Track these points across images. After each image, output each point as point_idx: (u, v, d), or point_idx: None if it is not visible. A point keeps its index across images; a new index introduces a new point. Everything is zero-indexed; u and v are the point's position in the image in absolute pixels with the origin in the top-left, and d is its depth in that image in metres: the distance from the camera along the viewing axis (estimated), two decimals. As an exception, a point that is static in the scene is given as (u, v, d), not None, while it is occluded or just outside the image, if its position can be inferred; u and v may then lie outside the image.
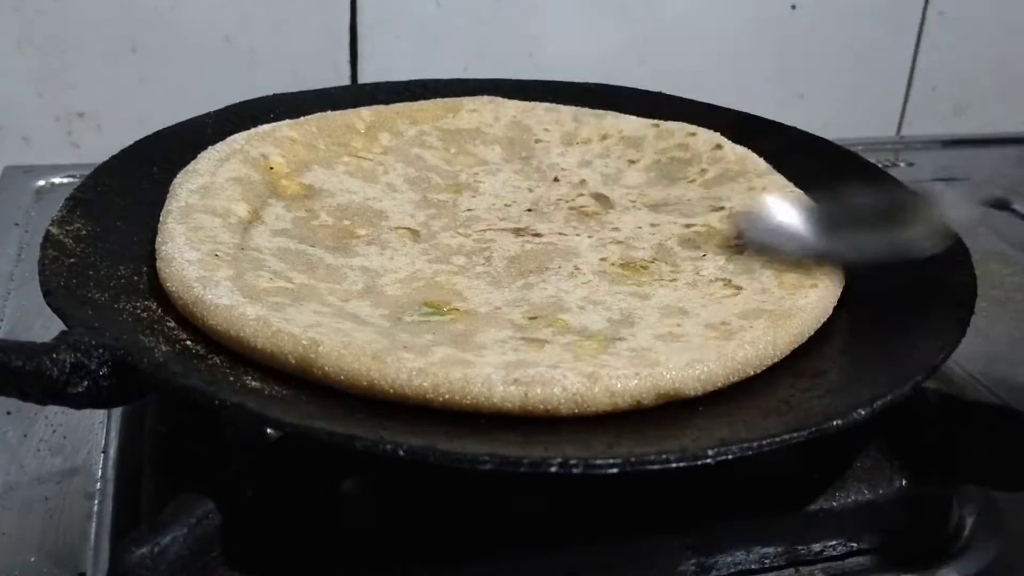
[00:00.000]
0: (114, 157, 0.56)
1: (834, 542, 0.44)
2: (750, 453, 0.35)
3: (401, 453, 0.34)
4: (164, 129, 0.59)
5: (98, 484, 0.47)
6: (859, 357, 0.44)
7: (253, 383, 0.40)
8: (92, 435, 0.50)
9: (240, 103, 0.63)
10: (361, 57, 0.88)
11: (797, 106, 0.99)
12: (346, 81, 0.89)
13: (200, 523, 0.35)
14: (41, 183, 0.77)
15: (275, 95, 0.65)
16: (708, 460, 0.35)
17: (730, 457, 0.35)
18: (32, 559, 0.43)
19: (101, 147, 0.85)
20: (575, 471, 0.34)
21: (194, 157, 0.55)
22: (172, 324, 0.44)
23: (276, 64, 0.86)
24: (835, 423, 0.37)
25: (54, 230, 0.47)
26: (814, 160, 0.60)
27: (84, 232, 0.48)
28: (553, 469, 0.34)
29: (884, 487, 0.44)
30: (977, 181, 0.84)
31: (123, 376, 0.39)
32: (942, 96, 1.02)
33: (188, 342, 0.42)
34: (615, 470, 0.34)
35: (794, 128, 0.64)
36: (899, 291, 0.47)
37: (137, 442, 0.49)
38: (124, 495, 0.46)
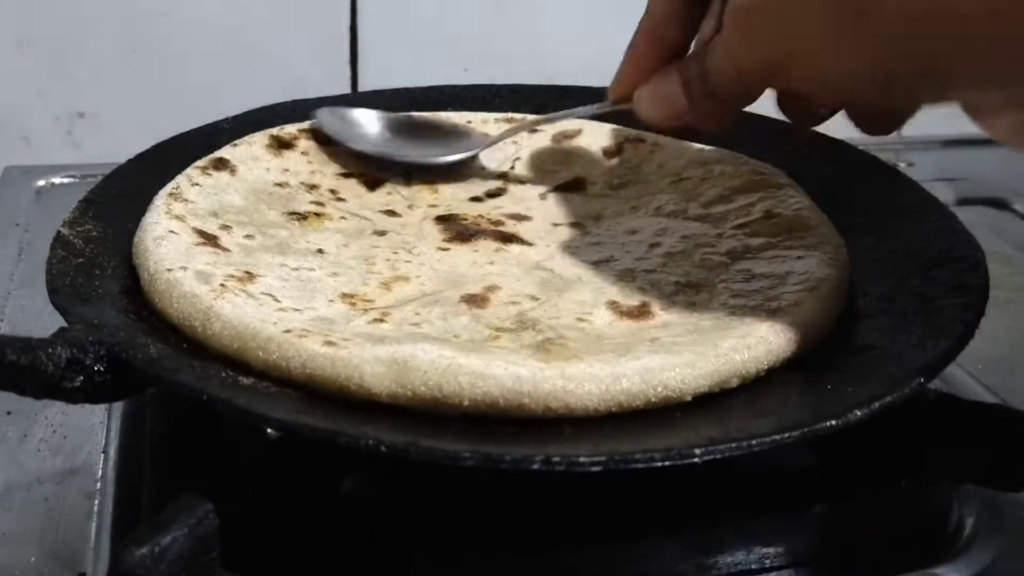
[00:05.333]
0: (130, 160, 0.56)
1: (834, 542, 0.44)
2: (738, 453, 0.35)
3: (383, 449, 0.34)
4: (181, 134, 0.59)
5: (98, 484, 0.47)
6: (863, 357, 0.44)
7: (245, 381, 0.40)
8: (92, 435, 0.50)
9: (257, 109, 0.63)
10: (361, 57, 0.88)
11: (797, 106, 0.99)
12: (346, 81, 0.89)
13: (200, 523, 0.35)
14: (41, 183, 0.77)
15: (292, 101, 0.65)
16: (695, 460, 0.35)
17: (718, 457, 0.35)
18: (32, 559, 0.43)
19: (101, 147, 0.86)
20: (558, 468, 0.34)
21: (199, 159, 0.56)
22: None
23: (276, 64, 0.86)
24: (828, 424, 0.37)
25: (64, 231, 0.48)
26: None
27: (95, 233, 0.49)
28: (536, 466, 0.34)
29: (884, 487, 0.44)
30: (977, 181, 0.84)
31: (118, 371, 0.39)
32: (942, 96, 1.02)
33: (186, 341, 0.43)
34: (599, 468, 0.34)
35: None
36: (910, 291, 0.47)
37: (137, 442, 0.49)
38: (124, 495, 0.46)
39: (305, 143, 0.60)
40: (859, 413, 0.37)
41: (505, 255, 0.52)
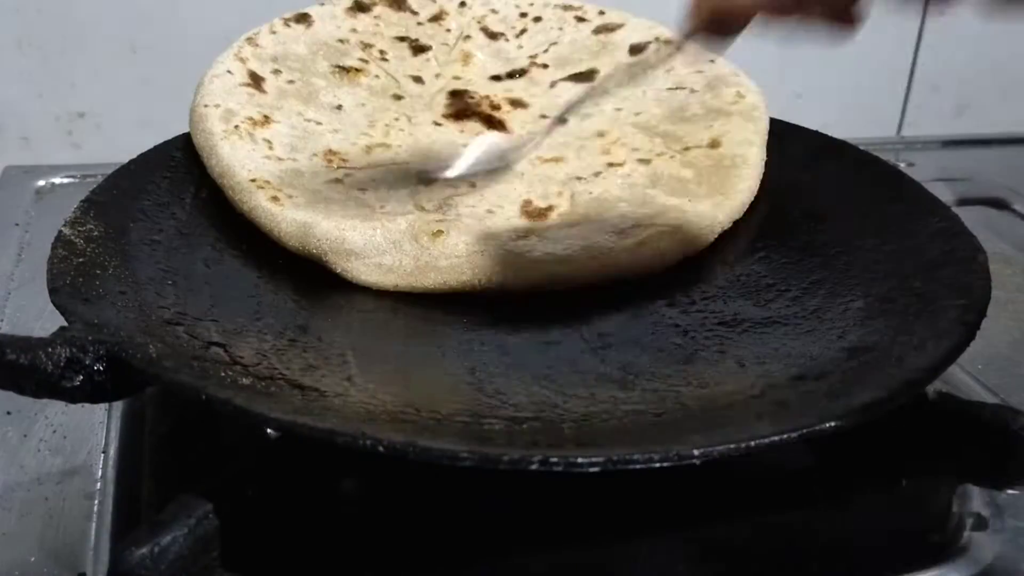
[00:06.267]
0: (132, 161, 0.56)
1: (834, 541, 0.44)
2: (737, 454, 0.35)
3: (381, 449, 0.34)
4: (182, 134, 0.59)
5: (98, 484, 0.47)
6: (864, 359, 0.44)
7: (244, 380, 0.40)
8: (92, 435, 0.50)
9: None
10: (361, 57, 0.88)
11: (797, 106, 0.99)
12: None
13: (200, 523, 0.35)
14: (41, 183, 0.77)
15: None
16: (693, 460, 0.35)
17: (716, 457, 0.35)
18: (32, 559, 0.43)
19: (101, 147, 0.85)
20: (556, 469, 0.34)
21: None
22: (172, 323, 0.44)
23: (276, 64, 0.86)
24: (828, 425, 0.37)
25: (66, 231, 0.48)
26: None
27: (96, 233, 0.49)
28: (534, 467, 0.34)
29: (884, 487, 0.44)
30: (977, 181, 0.84)
31: (117, 371, 0.39)
32: (942, 96, 1.02)
33: (185, 341, 0.43)
34: (597, 468, 0.34)
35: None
36: (912, 292, 0.47)
37: (137, 442, 0.49)
38: (124, 495, 0.46)
39: (381, 8, 0.65)
40: (859, 415, 0.37)
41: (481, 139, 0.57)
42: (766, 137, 0.59)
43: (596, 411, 0.41)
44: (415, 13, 0.66)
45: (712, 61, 0.63)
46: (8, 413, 0.51)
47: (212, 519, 0.36)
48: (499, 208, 0.52)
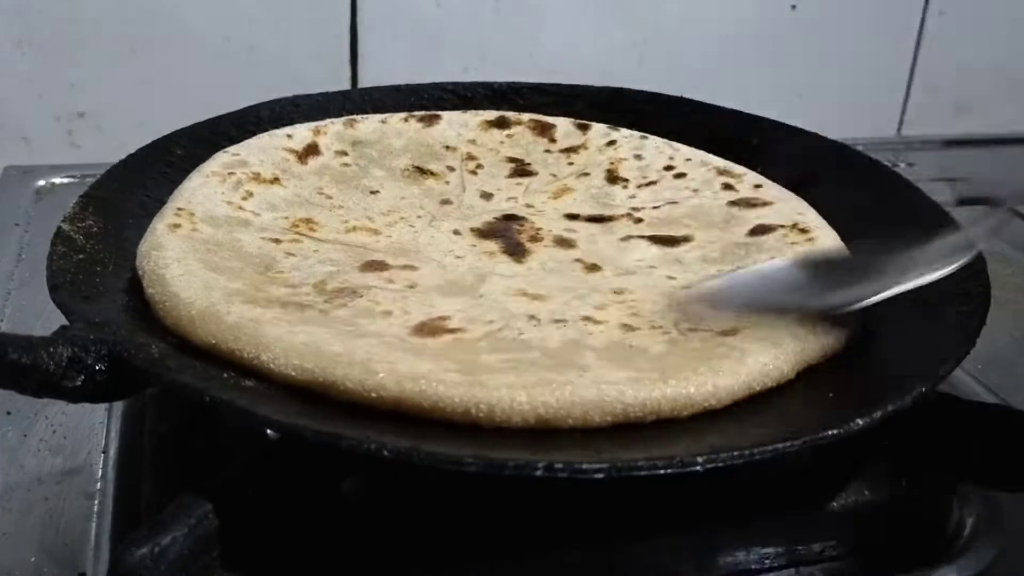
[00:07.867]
0: (130, 155, 0.56)
1: (834, 542, 0.44)
2: (740, 462, 0.35)
3: (385, 453, 0.34)
4: (182, 129, 0.59)
5: (98, 484, 0.47)
6: (864, 366, 0.43)
7: (247, 382, 0.40)
8: (92, 435, 0.50)
9: (260, 103, 0.63)
10: (361, 57, 0.88)
11: (797, 106, 0.99)
12: (346, 80, 0.89)
13: (200, 523, 0.35)
14: (41, 183, 0.77)
15: (295, 96, 0.64)
16: (697, 468, 0.35)
17: (720, 465, 0.35)
18: (32, 559, 0.43)
19: (101, 147, 0.85)
20: (561, 475, 0.34)
21: (210, 156, 0.56)
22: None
23: (276, 64, 0.86)
24: (830, 433, 0.37)
25: (65, 226, 0.47)
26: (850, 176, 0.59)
27: (95, 229, 0.48)
28: (538, 473, 0.34)
29: (884, 487, 0.44)
30: (977, 181, 0.84)
31: (119, 371, 0.39)
32: (942, 96, 1.02)
33: (187, 340, 0.43)
34: (601, 475, 0.34)
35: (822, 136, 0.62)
36: (912, 298, 0.47)
37: (137, 442, 0.49)
38: (124, 495, 0.46)
39: (521, 129, 0.61)
40: (860, 422, 0.37)
41: (486, 259, 0.50)
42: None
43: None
44: (553, 141, 0.61)
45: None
46: (8, 413, 0.51)
47: (212, 519, 0.35)
48: (401, 314, 0.43)
